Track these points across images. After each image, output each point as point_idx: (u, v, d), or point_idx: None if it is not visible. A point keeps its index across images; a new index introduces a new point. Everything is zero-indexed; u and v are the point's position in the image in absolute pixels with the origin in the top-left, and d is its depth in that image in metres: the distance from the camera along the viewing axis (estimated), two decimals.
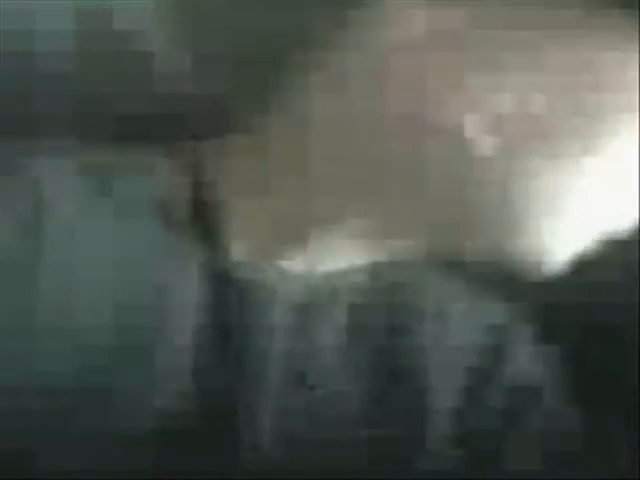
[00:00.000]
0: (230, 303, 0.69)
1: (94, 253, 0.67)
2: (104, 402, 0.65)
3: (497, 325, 0.77)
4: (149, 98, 0.79)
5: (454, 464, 0.73)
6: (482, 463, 0.73)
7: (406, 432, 0.72)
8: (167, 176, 0.71)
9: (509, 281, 0.70)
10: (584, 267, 0.69)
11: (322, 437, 0.70)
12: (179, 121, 0.75)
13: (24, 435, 0.63)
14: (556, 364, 0.78)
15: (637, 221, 0.68)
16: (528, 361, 0.77)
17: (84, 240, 0.67)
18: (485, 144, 0.64)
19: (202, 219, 0.70)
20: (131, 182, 0.70)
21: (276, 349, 0.70)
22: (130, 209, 0.69)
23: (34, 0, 0.78)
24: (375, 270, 0.74)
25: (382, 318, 0.74)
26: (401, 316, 0.75)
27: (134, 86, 0.79)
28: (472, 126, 0.64)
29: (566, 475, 0.73)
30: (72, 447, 0.64)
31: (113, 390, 0.66)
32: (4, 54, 0.77)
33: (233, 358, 0.68)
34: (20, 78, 0.78)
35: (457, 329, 0.76)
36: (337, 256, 0.72)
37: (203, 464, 0.67)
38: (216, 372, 0.68)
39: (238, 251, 0.70)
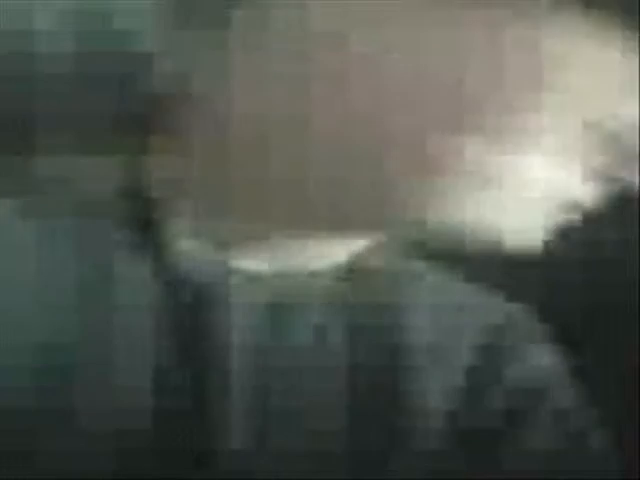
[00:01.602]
0: (185, 304, 0.68)
1: (39, 261, 0.66)
2: (62, 419, 0.64)
3: (499, 323, 0.77)
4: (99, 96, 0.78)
5: (455, 465, 0.72)
6: (484, 463, 0.73)
7: (397, 433, 0.72)
8: (115, 174, 0.70)
9: (471, 259, 0.70)
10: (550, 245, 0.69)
11: (303, 438, 0.69)
12: (128, 118, 0.74)
13: None
14: (563, 361, 0.78)
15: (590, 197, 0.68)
16: (534, 359, 0.76)
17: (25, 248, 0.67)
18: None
19: (149, 218, 0.69)
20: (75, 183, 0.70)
21: (238, 351, 0.68)
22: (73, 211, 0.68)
23: (34, 0, 0.78)
24: (344, 268, 0.74)
25: (365, 317, 0.73)
26: (384, 314, 0.74)
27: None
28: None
29: (572, 476, 0.73)
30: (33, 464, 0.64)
31: (72, 403, 0.65)
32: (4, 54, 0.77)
33: (194, 360, 0.68)
34: (20, 78, 0.78)
35: (456, 327, 0.75)
36: (301, 255, 0.71)
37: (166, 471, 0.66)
38: (177, 374, 0.67)
39: (188, 251, 0.69)
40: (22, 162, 0.70)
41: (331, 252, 0.73)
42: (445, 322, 0.75)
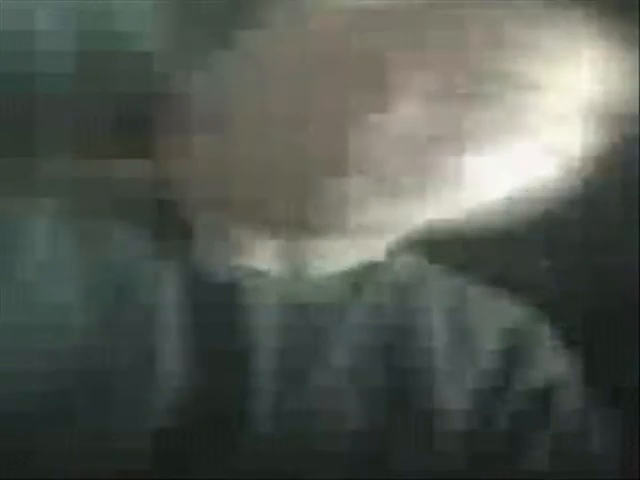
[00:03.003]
0: (211, 305, 0.69)
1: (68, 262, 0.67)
2: (98, 408, 0.65)
3: (514, 327, 0.77)
4: (118, 97, 0.78)
5: (468, 467, 0.72)
6: (496, 465, 0.73)
7: (411, 433, 0.72)
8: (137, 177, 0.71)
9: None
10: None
11: (321, 437, 0.70)
12: (148, 120, 0.74)
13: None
14: (576, 364, 0.78)
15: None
16: (546, 364, 0.76)
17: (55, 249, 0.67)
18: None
19: (173, 220, 0.70)
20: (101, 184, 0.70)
21: (264, 350, 0.69)
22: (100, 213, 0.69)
23: (34, 0, 0.78)
24: (367, 270, 0.74)
25: (385, 318, 0.74)
26: (403, 316, 0.74)
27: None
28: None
29: (580, 477, 0.73)
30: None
31: (107, 393, 0.65)
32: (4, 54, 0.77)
33: (213, 361, 0.68)
34: (20, 78, 0.78)
35: (469, 331, 0.75)
36: (324, 257, 0.72)
37: (199, 466, 0.67)
38: (195, 375, 0.68)
39: (212, 252, 0.70)
40: (25, 163, 0.70)
41: (344, 254, 0.73)
42: (459, 326, 0.75)
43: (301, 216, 0.67)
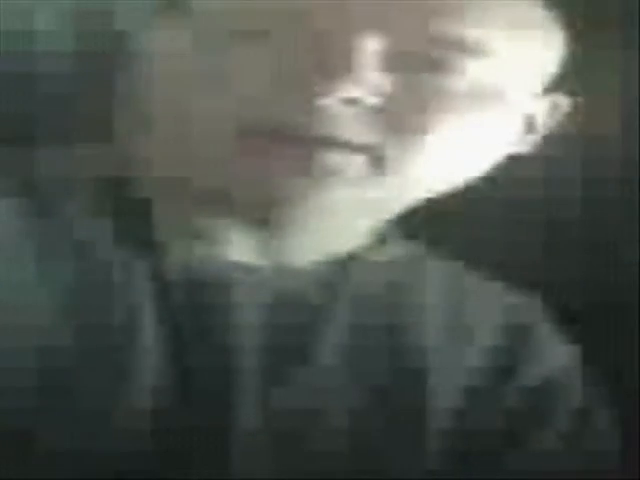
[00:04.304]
0: (185, 303, 0.68)
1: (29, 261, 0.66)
2: (62, 418, 0.64)
3: (515, 322, 0.76)
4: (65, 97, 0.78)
5: (466, 465, 0.72)
6: (496, 463, 0.73)
7: (405, 431, 0.71)
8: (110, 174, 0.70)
9: None
10: None
11: (310, 436, 0.69)
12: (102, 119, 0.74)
13: None
14: (580, 360, 0.77)
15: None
16: (550, 359, 0.76)
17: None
18: None
19: (145, 218, 0.69)
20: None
21: (241, 349, 0.68)
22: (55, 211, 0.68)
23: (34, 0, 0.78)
24: (346, 262, 0.73)
25: (379, 316, 0.73)
26: (396, 313, 0.73)
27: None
28: None
29: (584, 476, 0.73)
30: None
31: (78, 397, 0.65)
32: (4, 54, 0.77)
33: (196, 360, 0.67)
34: (20, 79, 0.78)
35: (470, 326, 0.75)
36: (301, 250, 0.71)
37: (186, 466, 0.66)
38: (178, 373, 0.67)
39: (186, 249, 0.69)
40: (20, 162, 0.70)
41: (331, 242, 0.72)
42: (454, 321, 0.74)
43: (273, 204, 0.66)
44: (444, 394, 0.72)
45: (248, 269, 0.69)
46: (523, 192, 0.87)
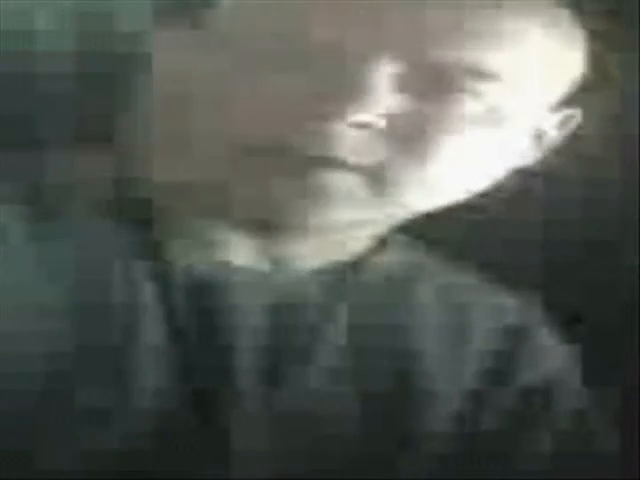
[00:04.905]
0: (186, 305, 0.68)
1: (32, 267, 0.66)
2: (62, 421, 0.64)
3: (511, 324, 0.76)
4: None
5: (466, 467, 0.72)
6: (495, 465, 0.73)
7: (404, 434, 0.71)
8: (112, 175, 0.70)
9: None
10: None
11: (309, 438, 0.69)
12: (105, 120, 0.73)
13: None
14: (579, 361, 0.77)
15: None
16: (546, 361, 0.76)
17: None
18: None
19: (146, 219, 0.68)
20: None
21: (241, 351, 0.68)
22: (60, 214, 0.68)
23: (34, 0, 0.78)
24: (346, 266, 0.73)
25: (372, 318, 0.73)
26: (389, 315, 0.73)
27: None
28: None
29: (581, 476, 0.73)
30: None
31: (78, 396, 0.65)
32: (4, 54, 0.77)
33: (196, 361, 0.67)
34: (19, 79, 0.78)
35: (466, 329, 0.75)
36: (302, 253, 0.70)
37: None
38: (178, 374, 0.67)
39: (186, 251, 0.69)
40: (22, 163, 0.70)
41: (332, 249, 0.72)
42: (455, 324, 0.74)
43: (272, 223, 0.66)
44: (443, 396, 0.72)
45: (248, 271, 0.69)
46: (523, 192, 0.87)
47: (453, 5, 0.63)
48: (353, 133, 0.63)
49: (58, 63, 0.78)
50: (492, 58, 0.64)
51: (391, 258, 0.75)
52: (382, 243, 0.75)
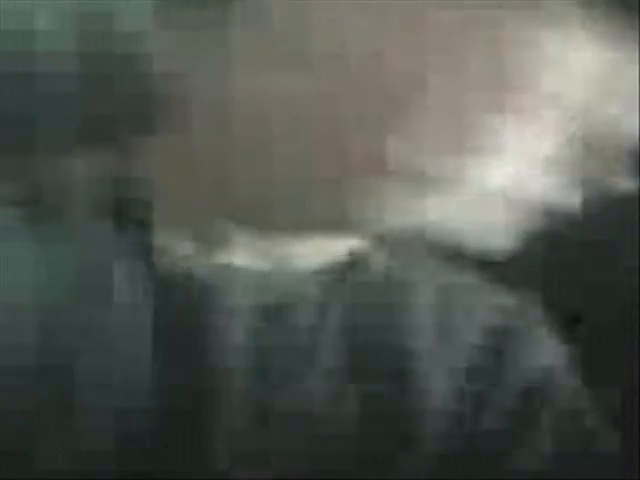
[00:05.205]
0: (183, 306, 0.68)
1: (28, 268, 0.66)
2: (61, 418, 0.65)
3: (505, 323, 0.76)
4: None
5: (462, 467, 0.72)
6: (490, 465, 0.72)
7: (396, 434, 0.71)
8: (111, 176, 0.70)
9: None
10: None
11: (305, 439, 0.69)
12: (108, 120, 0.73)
13: None
14: (573, 360, 0.77)
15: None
16: (541, 361, 0.76)
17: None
18: None
19: (144, 220, 0.68)
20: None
21: (238, 352, 0.68)
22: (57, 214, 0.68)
23: (34, 0, 0.78)
24: (344, 266, 0.73)
25: (372, 318, 0.73)
26: (385, 314, 0.73)
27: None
28: None
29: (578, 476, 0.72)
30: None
31: (68, 397, 0.65)
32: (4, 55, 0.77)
33: (193, 362, 0.67)
34: (19, 79, 0.78)
35: (460, 327, 0.75)
36: (301, 253, 0.71)
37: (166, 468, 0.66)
38: (175, 376, 0.67)
39: (185, 251, 0.69)
40: (21, 165, 0.70)
41: (331, 249, 0.72)
42: (449, 322, 0.74)
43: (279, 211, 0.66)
44: (443, 396, 0.72)
45: (248, 271, 0.70)
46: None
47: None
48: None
49: (58, 63, 0.78)
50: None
51: (391, 258, 0.75)
52: (382, 243, 0.75)
